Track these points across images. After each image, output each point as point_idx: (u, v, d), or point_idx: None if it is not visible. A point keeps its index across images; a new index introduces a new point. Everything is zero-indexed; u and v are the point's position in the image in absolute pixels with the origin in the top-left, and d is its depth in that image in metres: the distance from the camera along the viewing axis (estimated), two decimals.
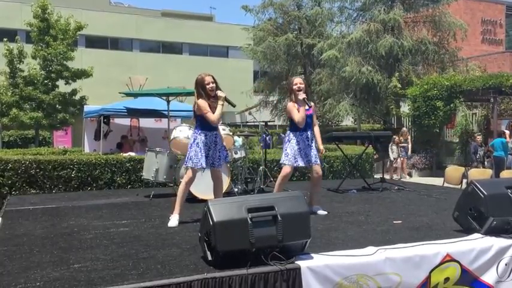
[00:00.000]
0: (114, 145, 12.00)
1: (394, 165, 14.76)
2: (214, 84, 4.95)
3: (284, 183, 5.47)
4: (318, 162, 5.46)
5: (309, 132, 5.42)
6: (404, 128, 16.12)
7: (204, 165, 4.93)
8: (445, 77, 17.12)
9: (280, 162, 5.50)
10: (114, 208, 6.07)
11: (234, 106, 5.14)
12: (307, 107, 5.34)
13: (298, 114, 5.30)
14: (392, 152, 14.60)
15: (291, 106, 5.38)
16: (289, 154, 5.37)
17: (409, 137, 15.54)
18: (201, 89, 4.96)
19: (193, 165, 4.92)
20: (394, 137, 15.28)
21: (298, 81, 5.41)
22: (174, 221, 4.86)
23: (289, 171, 5.39)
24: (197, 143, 4.95)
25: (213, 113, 4.91)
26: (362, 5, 20.73)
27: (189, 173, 4.97)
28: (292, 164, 5.37)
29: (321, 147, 5.57)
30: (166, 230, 4.62)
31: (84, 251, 3.82)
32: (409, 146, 15.08)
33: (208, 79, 4.94)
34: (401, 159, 14.74)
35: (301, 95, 5.28)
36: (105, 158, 8.47)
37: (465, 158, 16.10)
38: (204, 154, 4.93)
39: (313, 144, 5.45)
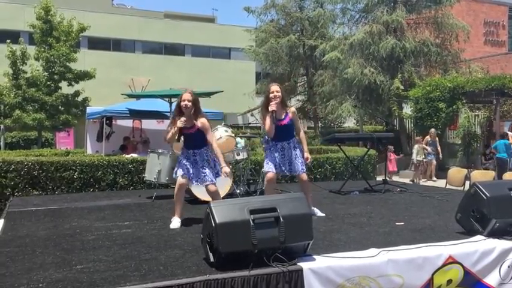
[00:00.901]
0: (117, 146, 12.01)
1: (420, 167, 14.21)
2: (189, 103, 4.85)
3: (270, 187, 5.30)
4: (302, 170, 5.27)
5: (285, 143, 5.26)
6: (432, 129, 15.30)
7: (181, 174, 4.88)
8: (448, 78, 17.10)
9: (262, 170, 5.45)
10: (117, 209, 6.07)
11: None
12: (282, 117, 5.20)
13: (266, 126, 5.18)
14: (417, 153, 14.06)
15: (264, 115, 5.26)
16: (268, 161, 5.29)
17: (437, 138, 15.02)
18: (177, 105, 4.97)
19: (174, 175, 5.02)
20: (418, 138, 14.88)
21: (274, 89, 5.22)
22: (175, 222, 4.87)
23: (271, 176, 5.26)
24: (181, 159, 5.02)
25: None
26: (364, 6, 20.71)
27: (178, 179, 4.94)
28: (270, 170, 5.26)
29: (307, 154, 5.37)
30: (168, 232, 4.63)
31: (86, 252, 3.83)
32: (439, 147, 14.45)
33: (184, 96, 4.88)
34: (425, 161, 14.08)
35: (271, 107, 5.09)
36: (107, 159, 8.48)
37: (467, 159, 16.07)
38: (184, 168, 4.92)
39: (297, 152, 5.28)
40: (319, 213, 5.46)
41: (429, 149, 14.37)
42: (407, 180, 12.81)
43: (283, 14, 23.86)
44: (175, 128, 4.86)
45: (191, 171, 4.92)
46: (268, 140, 5.36)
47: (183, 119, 4.84)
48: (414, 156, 14.24)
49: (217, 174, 5.03)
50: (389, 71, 18.91)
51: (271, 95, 5.18)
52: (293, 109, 5.42)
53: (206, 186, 4.98)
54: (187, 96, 4.88)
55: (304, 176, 5.34)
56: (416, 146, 14.31)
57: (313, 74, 23.11)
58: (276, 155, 5.25)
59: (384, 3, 19.49)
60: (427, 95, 16.52)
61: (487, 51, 28.09)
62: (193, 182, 4.99)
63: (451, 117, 16.43)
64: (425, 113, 16.58)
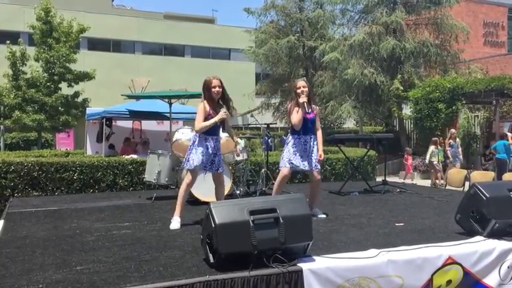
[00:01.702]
0: (117, 148, 12.01)
1: (438, 169, 13.57)
2: (220, 89, 4.93)
3: (282, 184, 5.46)
4: (317, 168, 5.41)
5: (308, 137, 5.36)
6: (452, 129, 14.65)
7: (198, 166, 4.91)
8: (447, 79, 17.12)
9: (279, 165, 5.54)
10: (116, 210, 6.07)
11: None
12: (309, 111, 5.30)
13: (295, 117, 5.27)
14: (433, 155, 13.56)
15: (291, 108, 5.38)
16: (284, 157, 5.39)
17: (458, 139, 14.31)
18: (206, 90, 4.97)
19: (189, 166, 4.94)
20: (434, 138, 14.24)
21: (301, 84, 5.35)
22: (175, 223, 4.87)
23: (286, 173, 5.38)
24: (196, 145, 4.97)
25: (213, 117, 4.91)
26: (364, 7, 20.74)
27: (189, 175, 4.98)
28: (286, 167, 5.36)
29: (321, 152, 5.47)
30: (168, 232, 4.63)
31: (86, 253, 3.83)
32: (460, 149, 13.79)
33: (215, 82, 4.93)
34: (440, 163, 13.51)
35: (302, 99, 5.22)
36: (107, 160, 8.48)
37: (467, 160, 16.07)
38: (200, 157, 4.90)
39: (314, 149, 5.39)
40: (320, 214, 5.47)
41: (449, 152, 13.60)
42: (407, 181, 12.78)
43: (283, 15, 23.88)
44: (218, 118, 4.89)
45: (204, 161, 4.94)
46: (289, 135, 5.43)
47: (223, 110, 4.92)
48: (428, 158, 13.72)
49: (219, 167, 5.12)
50: (389, 71, 18.93)
51: (298, 90, 5.29)
52: (317, 107, 5.58)
53: (218, 174, 5.07)
54: (218, 82, 4.93)
55: (318, 174, 5.45)
56: (431, 148, 13.70)
57: (313, 75, 23.11)
58: (298, 149, 5.32)
59: (383, 4, 19.52)
60: (426, 95, 16.54)
61: (487, 52, 28.11)
62: (201, 169, 5.01)
63: (451, 118, 16.45)
64: (425, 114, 16.60)
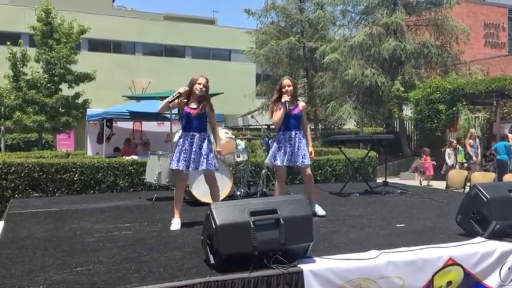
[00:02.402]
0: (117, 148, 12.01)
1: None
2: (204, 88, 4.95)
3: (281, 184, 5.54)
4: (305, 162, 5.40)
5: (293, 132, 5.39)
6: (472, 130, 14.28)
7: (181, 167, 4.88)
8: (448, 80, 17.12)
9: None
10: (117, 211, 6.07)
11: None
12: (292, 107, 5.36)
13: (275, 116, 5.36)
14: (450, 157, 13.26)
15: (272, 106, 5.49)
16: (270, 153, 5.52)
17: (478, 140, 13.96)
18: (190, 85, 5.00)
19: (172, 166, 4.95)
20: (451, 140, 13.89)
21: (286, 83, 5.41)
22: (175, 224, 4.87)
23: (283, 172, 5.51)
24: (177, 145, 5.00)
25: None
26: (364, 8, 20.75)
27: (177, 176, 5.02)
28: (271, 163, 5.48)
29: (310, 148, 5.52)
30: (168, 233, 4.63)
31: (86, 254, 3.83)
32: (478, 150, 13.39)
33: (201, 80, 4.96)
34: (467, 165, 12.96)
35: (284, 98, 5.30)
36: (107, 161, 8.48)
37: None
38: (182, 155, 4.89)
39: (301, 145, 5.40)
40: (320, 211, 5.52)
41: (471, 151, 13.21)
42: (408, 182, 12.66)
43: (284, 16, 23.90)
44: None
45: (189, 159, 4.92)
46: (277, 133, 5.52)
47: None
48: (447, 160, 13.35)
49: (209, 165, 5.08)
50: (389, 72, 18.93)
51: (283, 89, 5.38)
52: (303, 103, 5.63)
53: (209, 174, 5.06)
54: (203, 81, 4.98)
55: (308, 170, 5.49)
56: (448, 150, 13.40)
57: (314, 76, 23.13)
58: (283, 145, 5.38)
59: (383, 5, 19.52)
60: (427, 96, 16.53)
61: (487, 53, 28.12)
62: (183, 169, 4.97)
63: (451, 119, 16.43)
64: (425, 115, 16.58)
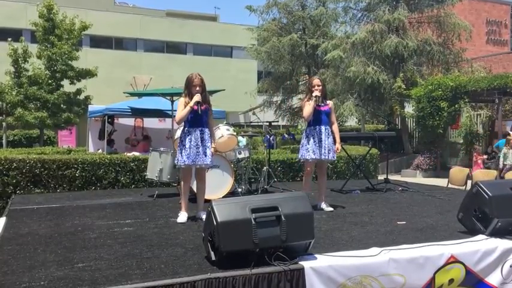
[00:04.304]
0: (119, 145, 12.01)
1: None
2: (200, 88, 5.04)
3: (307, 178, 5.87)
4: (332, 158, 5.69)
5: (323, 127, 5.64)
6: None
7: (186, 162, 4.99)
8: (450, 77, 17.08)
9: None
10: (118, 208, 6.08)
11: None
12: (322, 104, 5.65)
13: (306, 109, 5.63)
14: (506, 157, 12.47)
15: (303, 103, 5.81)
16: (301, 149, 5.74)
17: None
18: (188, 87, 5.11)
19: (179, 164, 5.06)
20: (510, 137, 12.96)
21: (316, 82, 5.72)
22: (182, 217, 5.03)
23: (311, 169, 5.79)
24: (181, 142, 5.08)
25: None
26: (366, 5, 20.69)
27: (182, 172, 5.17)
28: (303, 158, 5.70)
29: (338, 145, 5.81)
30: (170, 230, 4.63)
31: (88, 250, 3.83)
32: None
33: (196, 81, 5.06)
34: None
35: (315, 92, 5.61)
36: (109, 157, 8.48)
37: (469, 158, 16.04)
38: (188, 151, 4.99)
39: (329, 140, 5.66)
40: (328, 208, 5.73)
41: None
42: (409, 180, 12.60)
43: (285, 13, 23.81)
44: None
45: (191, 154, 5.02)
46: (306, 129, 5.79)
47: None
48: (501, 160, 12.59)
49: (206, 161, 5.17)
50: (391, 70, 18.90)
51: (313, 88, 5.68)
52: (332, 102, 5.95)
53: (200, 169, 5.19)
54: (198, 81, 5.07)
55: (325, 165, 5.99)
56: (505, 149, 12.64)
57: (315, 73, 23.02)
58: (308, 140, 5.65)
59: (386, 2, 19.48)
60: (429, 94, 16.50)
61: (489, 51, 28.05)
62: (188, 164, 5.07)
63: (453, 116, 16.41)
64: (427, 112, 16.55)
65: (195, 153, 5.01)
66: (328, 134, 5.66)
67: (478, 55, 24.74)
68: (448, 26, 19.40)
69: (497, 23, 30.53)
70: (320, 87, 5.65)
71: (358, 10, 21.59)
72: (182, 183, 5.20)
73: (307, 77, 24.97)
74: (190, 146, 5.00)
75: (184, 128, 5.14)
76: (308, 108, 5.59)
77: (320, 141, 5.60)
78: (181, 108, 5.04)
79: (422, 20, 20.54)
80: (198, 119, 5.06)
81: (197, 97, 4.97)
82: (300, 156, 5.79)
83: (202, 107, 5.04)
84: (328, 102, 5.79)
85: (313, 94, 5.60)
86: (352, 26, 21.68)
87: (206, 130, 5.11)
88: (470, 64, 20.13)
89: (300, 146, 5.80)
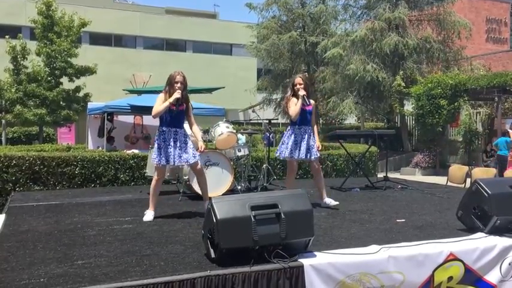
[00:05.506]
0: (118, 142, 12.01)
1: None
2: (182, 85, 5.00)
3: (290, 176, 5.81)
4: (314, 157, 5.62)
5: (308, 127, 5.63)
6: None
7: (160, 162, 4.98)
8: (449, 75, 17.07)
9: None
10: (118, 205, 6.08)
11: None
12: (308, 103, 5.58)
13: (293, 108, 5.53)
14: None
15: (286, 102, 5.70)
16: (284, 147, 5.68)
17: None
18: (169, 84, 5.06)
19: (152, 161, 5.09)
20: None
21: (298, 81, 5.62)
22: (148, 215, 4.99)
23: (295, 167, 5.78)
24: (156, 141, 5.08)
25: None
26: (366, 3, 20.68)
27: (158, 171, 5.11)
28: (280, 155, 5.72)
29: (318, 143, 5.76)
30: (169, 227, 4.63)
31: (87, 247, 3.83)
32: None
33: (178, 78, 5.02)
34: None
35: (302, 91, 5.51)
36: (108, 155, 8.48)
37: (468, 156, 16.05)
38: (160, 151, 4.98)
39: (313, 139, 5.65)
40: (332, 202, 5.71)
41: None
42: (408, 178, 12.57)
43: (285, 10, 23.79)
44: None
45: (168, 154, 5.02)
46: (289, 127, 5.72)
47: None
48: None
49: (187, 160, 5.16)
50: (391, 68, 18.89)
51: (296, 87, 5.60)
52: (313, 101, 5.81)
53: (194, 164, 5.15)
54: (181, 78, 5.04)
55: (317, 164, 5.76)
56: None
57: (315, 71, 23.06)
58: (297, 139, 5.59)
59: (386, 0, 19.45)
60: (428, 92, 16.49)
61: (489, 49, 28.04)
62: (165, 163, 5.05)
63: (453, 114, 16.40)
64: (426, 110, 16.55)
65: (173, 154, 4.97)
66: (312, 133, 5.65)
67: (477, 53, 24.74)
68: (448, 24, 19.39)
69: (497, 21, 30.52)
70: (302, 86, 5.55)
71: (358, 8, 21.58)
72: (153, 182, 5.13)
73: (307, 75, 24.99)
74: (165, 146, 4.98)
75: (159, 127, 5.08)
76: (295, 108, 5.50)
77: (302, 141, 5.57)
78: (159, 103, 4.98)
79: (422, 18, 20.52)
80: (174, 120, 5.02)
81: (177, 93, 4.92)
82: (277, 154, 5.81)
83: (180, 107, 5.01)
84: (311, 101, 5.71)
85: (300, 93, 5.50)
86: (352, 23, 21.69)
87: (180, 131, 5.05)
88: (470, 62, 20.12)
89: (281, 143, 5.77)
